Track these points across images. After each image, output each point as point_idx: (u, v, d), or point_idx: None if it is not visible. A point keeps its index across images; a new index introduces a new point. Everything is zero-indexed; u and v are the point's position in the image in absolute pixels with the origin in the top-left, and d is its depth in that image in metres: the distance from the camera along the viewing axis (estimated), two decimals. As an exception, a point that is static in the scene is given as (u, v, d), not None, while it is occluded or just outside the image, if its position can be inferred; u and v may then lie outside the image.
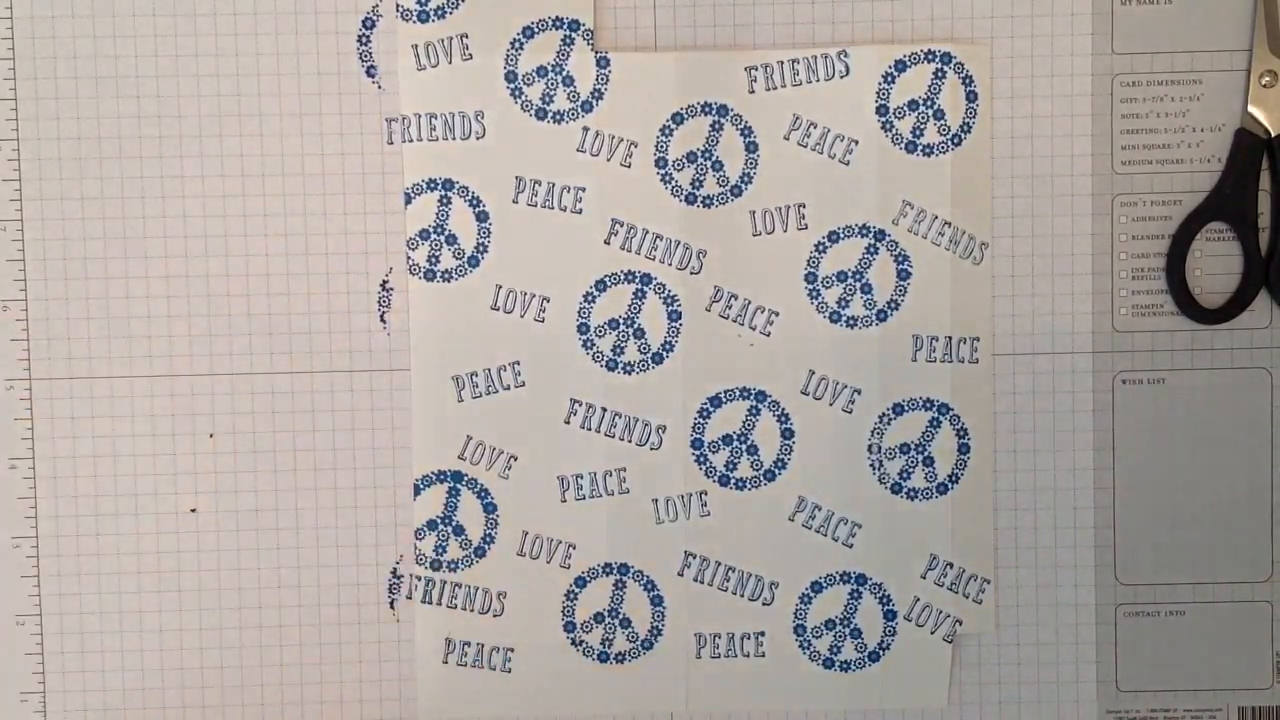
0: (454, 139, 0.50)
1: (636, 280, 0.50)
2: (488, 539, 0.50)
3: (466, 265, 0.50)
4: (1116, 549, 0.51)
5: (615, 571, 0.51)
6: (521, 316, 0.50)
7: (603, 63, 0.50)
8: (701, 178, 0.50)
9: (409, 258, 0.50)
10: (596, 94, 0.50)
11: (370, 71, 0.50)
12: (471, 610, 0.51)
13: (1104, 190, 0.51)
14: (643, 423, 0.50)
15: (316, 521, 0.51)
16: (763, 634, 0.51)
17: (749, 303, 0.50)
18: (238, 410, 0.51)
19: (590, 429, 0.50)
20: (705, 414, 0.50)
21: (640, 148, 0.50)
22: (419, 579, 0.51)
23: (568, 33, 0.50)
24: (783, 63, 0.50)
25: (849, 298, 0.50)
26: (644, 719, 0.52)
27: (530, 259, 0.50)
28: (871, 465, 0.50)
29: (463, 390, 0.50)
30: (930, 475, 0.51)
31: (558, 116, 0.50)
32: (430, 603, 0.51)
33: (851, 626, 0.51)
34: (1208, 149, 0.50)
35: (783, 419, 0.50)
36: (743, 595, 0.51)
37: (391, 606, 0.51)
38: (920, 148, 0.50)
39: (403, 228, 0.50)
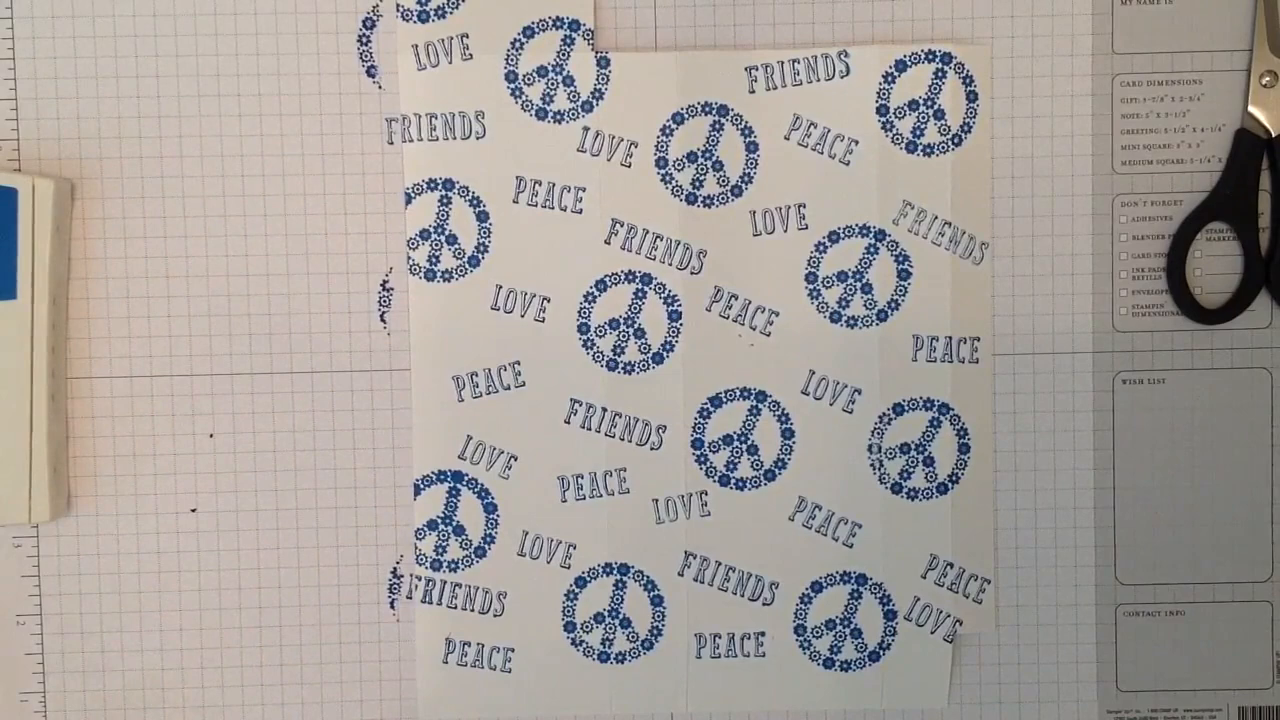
0: (454, 139, 0.50)
1: (637, 280, 0.50)
2: (488, 539, 0.50)
3: (466, 265, 0.50)
4: (1116, 549, 0.51)
5: (615, 571, 0.51)
6: (521, 316, 0.50)
7: (603, 63, 0.50)
8: (701, 178, 0.50)
9: (409, 258, 0.50)
10: (597, 94, 0.50)
11: (370, 71, 0.50)
12: (471, 610, 0.51)
13: (1104, 190, 0.51)
14: (643, 423, 0.50)
15: (316, 521, 0.51)
16: (763, 634, 0.51)
17: (749, 303, 0.50)
18: (238, 410, 0.51)
19: (590, 429, 0.50)
20: (705, 414, 0.50)
21: (640, 148, 0.50)
22: (419, 579, 0.51)
23: (568, 33, 0.50)
24: (783, 63, 0.50)
25: (849, 298, 0.50)
26: (644, 719, 0.52)
27: (530, 259, 0.50)
28: (872, 465, 0.50)
29: (463, 390, 0.50)
30: (930, 475, 0.51)
31: (558, 116, 0.50)
32: (430, 603, 0.51)
33: (851, 626, 0.51)
34: (1208, 149, 0.50)
35: (783, 419, 0.50)
36: (743, 595, 0.51)
37: (391, 606, 0.51)
38: (920, 148, 0.50)
39: (403, 228, 0.50)
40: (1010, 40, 0.50)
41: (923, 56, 0.50)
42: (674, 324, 0.50)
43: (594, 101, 0.50)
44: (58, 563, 0.51)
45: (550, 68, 0.50)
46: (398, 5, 0.50)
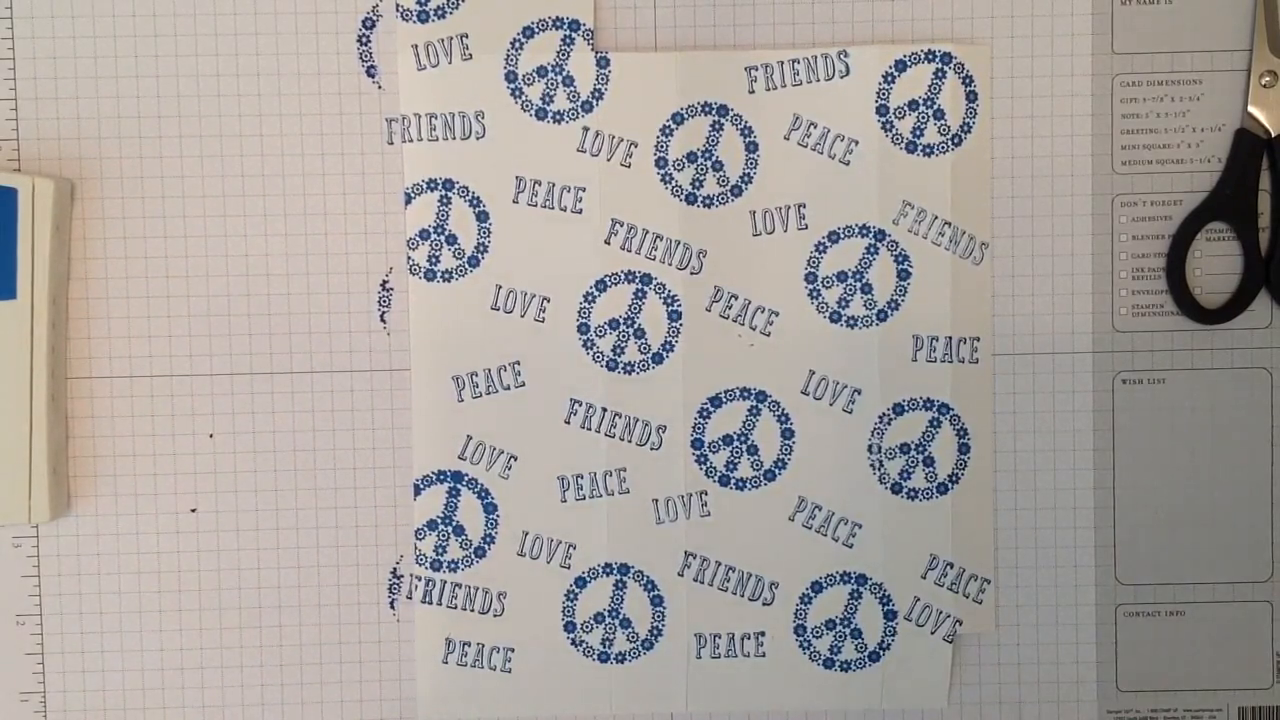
0: (454, 139, 0.50)
1: (636, 280, 0.50)
2: (488, 539, 0.51)
3: (466, 265, 0.50)
4: (1116, 549, 0.51)
5: (615, 571, 0.51)
6: (521, 316, 0.50)
7: (603, 63, 0.50)
8: (701, 178, 0.50)
9: (409, 258, 0.50)
10: (596, 94, 0.50)
11: (370, 71, 0.50)
12: (471, 610, 0.51)
13: (1104, 190, 0.51)
14: (643, 423, 0.50)
15: (316, 521, 0.51)
16: (763, 634, 0.51)
17: (749, 303, 0.50)
18: (238, 410, 0.51)
19: (590, 429, 0.50)
20: (705, 414, 0.50)
21: (640, 148, 0.50)
22: (419, 579, 0.51)
23: (568, 33, 0.50)
24: (783, 63, 0.50)
25: (849, 298, 0.50)
26: (644, 719, 0.52)
27: (530, 259, 0.50)
28: (872, 465, 0.50)
29: (463, 390, 0.50)
30: (930, 475, 0.51)
31: (558, 116, 0.50)
32: (430, 603, 0.51)
33: (851, 626, 0.51)
34: (1208, 149, 0.50)
35: (783, 419, 0.50)
36: (743, 595, 0.51)
37: (391, 606, 0.51)
38: (920, 148, 0.50)
39: (403, 228, 0.50)
40: (1010, 40, 0.50)
41: (923, 56, 0.50)
42: (674, 324, 0.50)
43: (594, 101, 0.50)
44: (58, 563, 0.51)
45: (550, 68, 0.50)
46: (398, 5, 0.50)
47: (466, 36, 0.50)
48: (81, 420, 0.50)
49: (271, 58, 0.50)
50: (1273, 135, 0.50)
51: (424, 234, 0.50)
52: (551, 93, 0.50)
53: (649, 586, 0.51)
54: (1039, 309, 0.51)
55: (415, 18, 0.50)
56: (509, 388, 0.50)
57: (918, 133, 0.50)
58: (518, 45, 0.50)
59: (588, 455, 0.50)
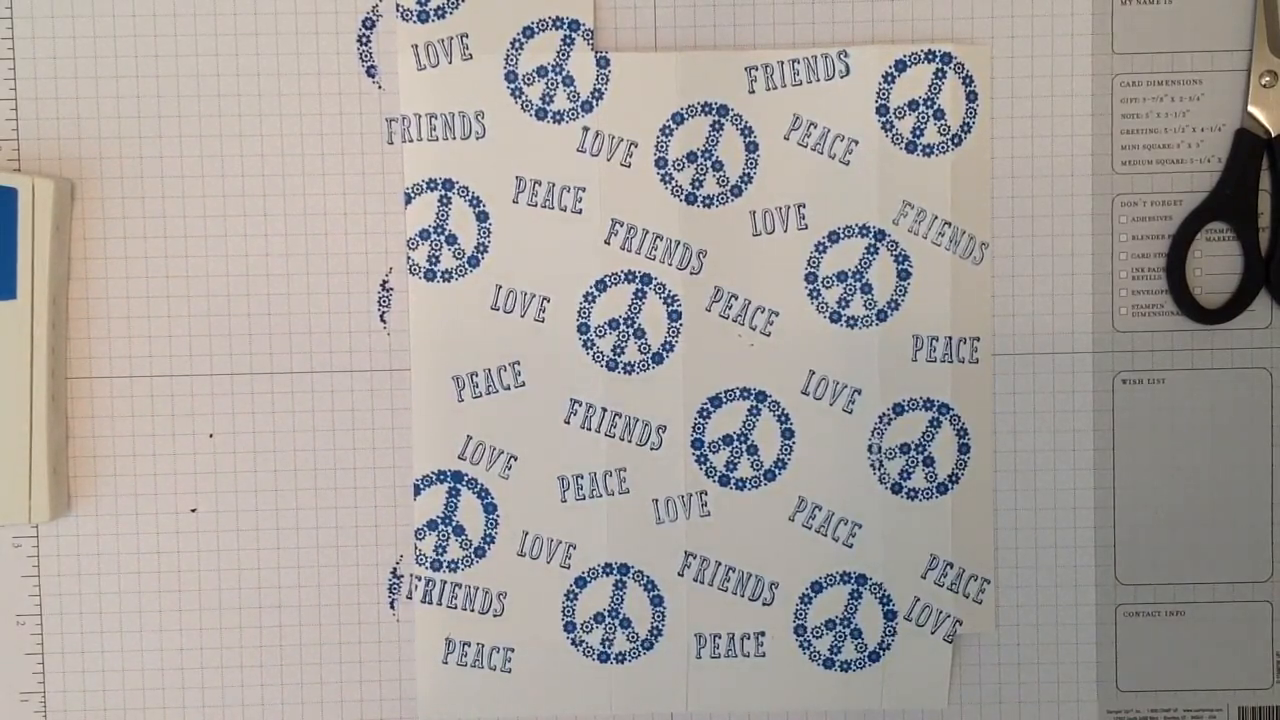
0: (454, 139, 0.50)
1: (636, 280, 0.50)
2: (488, 539, 0.51)
3: (466, 265, 0.50)
4: (1116, 549, 0.51)
5: (615, 571, 0.51)
6: (521, 316, 0.50)
7: (603, 63, 0.50)
8: (701, 178, 0.50)
9: (409, 258, 0.50)
10: (596, 94, 0.50)
11: (370, 71, 0.50)
12: (471, 610, 0.51)
13: (1104, 190, 0.51)
14: (643, 423, 0.50)
15: (316, 521, 0.51)
16: (763, 634, 0.51)
17: (749, 303, 0.50)
18: (238, 410, 0.51)
19: (590, 429, 0.50)
20: (705, 414, 0.50)
21: (640, 148, 0.50)
22: (419, 579, 0.51)
23: (568, 33, 0.50)
24: (783, 63, 0.50)
25: (849, 298, 0.50)
26: (644, 719, 0.52)
27: (530, 259, 0.50)
28: (872, 465, 0.50)
29: (463, 390, 0.50)
30: (930, 475, 0.51)
31: (558, 116, 0.50)
32: (430, 603, 0.51)
33: (851, 626, 0.51)
34: (1208, 149, 0.50)
35: (783, 419, 0.50)
36: (743, 595, 0.51)
37: (391, 606, 0.51)
38: (920, 148, 0.50)
39: (403, 228, 0.50)
40: (1010, 40, 0.50)
41: (923, 56, 0.50)
42: (674, 324, 0.50)
43: (594, 101, 0.50)
44: (58, 563, 0.51)
45: (550, 68, 0.50)
46: (398, 5, 0.50)
47: (466, 36, 0.50)
48: (81, 420, 0.50)
49: (271, 58, 0.50)
50: (1273, 135, 0.50)
51: (424, 234, 0.50)
52: (551, 93, 0.50)
53: (649, 586, 0.51)
54: (1039, 309, 0.51)
55: (415, 18, 0.50)
56: (509, 388, 0.50)
57: (918, 133, 0.50)
58: (518, 45, 0.50)
59: (588, 455, 0.50)
